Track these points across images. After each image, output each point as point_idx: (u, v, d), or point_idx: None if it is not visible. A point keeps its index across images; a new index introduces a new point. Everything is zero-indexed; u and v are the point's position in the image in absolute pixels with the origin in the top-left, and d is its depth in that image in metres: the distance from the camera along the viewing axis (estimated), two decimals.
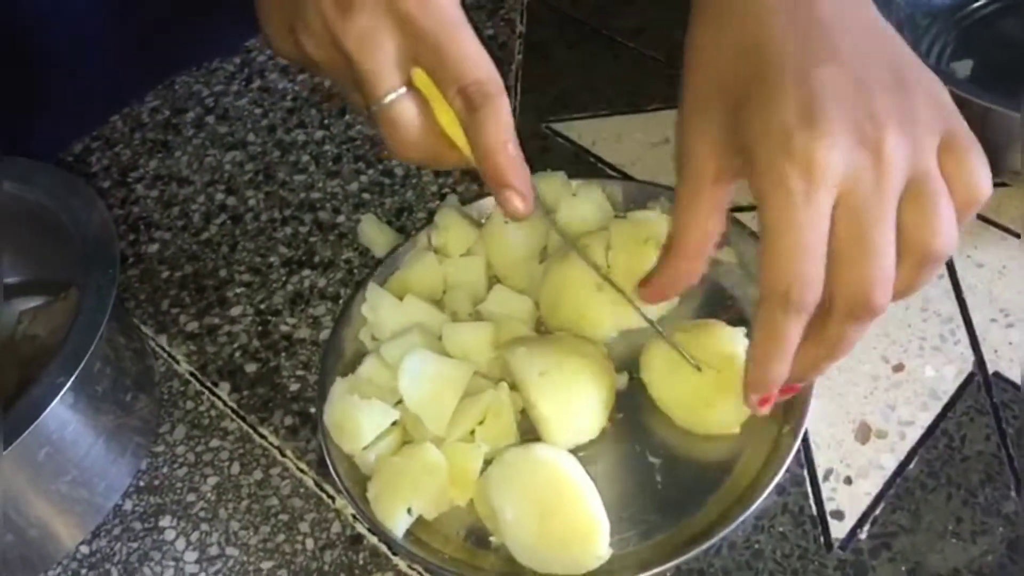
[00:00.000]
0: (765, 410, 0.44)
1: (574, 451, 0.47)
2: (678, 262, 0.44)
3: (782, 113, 0.39)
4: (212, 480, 0.52)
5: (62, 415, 0.46)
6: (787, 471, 0.46)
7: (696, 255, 0.44)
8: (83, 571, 0.50)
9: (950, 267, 0.54)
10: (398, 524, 0.46)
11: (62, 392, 0.45)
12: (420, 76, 0.43)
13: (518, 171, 0.43)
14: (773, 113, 0.39)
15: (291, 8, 0.43)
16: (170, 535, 0.50)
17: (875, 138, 0.39)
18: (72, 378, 0.45)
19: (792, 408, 0.47)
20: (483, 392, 0.49)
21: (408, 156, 0.45)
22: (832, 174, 0.38)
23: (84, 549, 0.50)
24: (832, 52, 0.41)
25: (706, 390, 0.47)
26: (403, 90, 0.43)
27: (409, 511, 0.46)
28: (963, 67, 0.61)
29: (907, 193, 0.39)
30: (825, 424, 0.49)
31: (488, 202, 0.57)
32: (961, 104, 0.51)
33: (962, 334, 0.51)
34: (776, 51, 0.41)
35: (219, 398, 0.55)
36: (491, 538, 0.47)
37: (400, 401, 0.49)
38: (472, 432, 0.48)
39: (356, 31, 0.41)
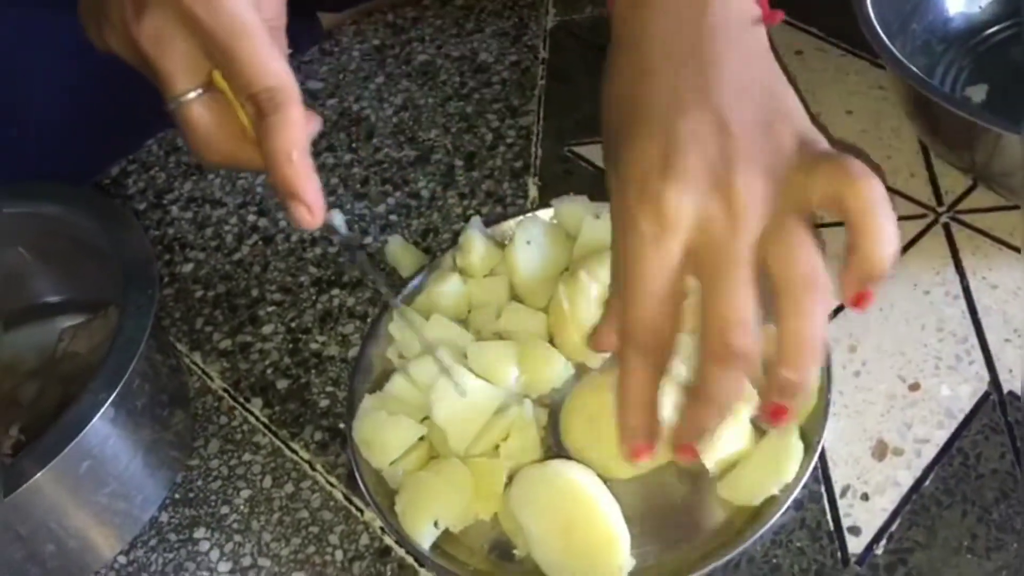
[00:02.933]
0: (645, 459, 0.44)
1: None
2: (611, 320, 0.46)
3: (642, 160, 0.42)
4: (245, 493, 0.54)
5: (103, 430, 0.48)
6: (805, 487, 0.47)
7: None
8: None
9: (965, 288, 0.55)
10: (425, 537, 0.47)
11: (104, 408, 0.47)
12: (218, 77, 0.42)
13: (304, 181, 0.42)
14: (635, 160, 0.42)
15: (98, 4, 0.43)
16: (204, 546, 0.52)
17: (728, 181, 0.40)
18: (113, 394, 0.47)
19: (810, 426, 0.48)
20: (508, 408, 0.50)
21: (208, 157, 0.44)
22: (682, 219, 0.40)
23: (122, 559, 0.52)
24: (703, 96, 0.42)
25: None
26: (199, 91, 0.42)
27: (435, 524, 0.47)
28: (978, 91, 0.62)
29: (766, 232, 0.40)
30: (842, 442, 0.50)
31: (510, 224, 0.59)
32: (972, 129, 0.53)
33: (977, 354, 0.52)
34: (649, 101, 0.43)
35: (251, 413, 0.57)
36: (515, 551, 0.48)
37: (426, 417, 0.50)
38: (496, 447, 0.50)
39: (149, 31, 0.41)
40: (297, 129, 0.42)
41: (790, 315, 0.40)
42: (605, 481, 0.47)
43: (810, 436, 0.48)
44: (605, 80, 0.47)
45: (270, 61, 0.41)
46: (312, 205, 0.43)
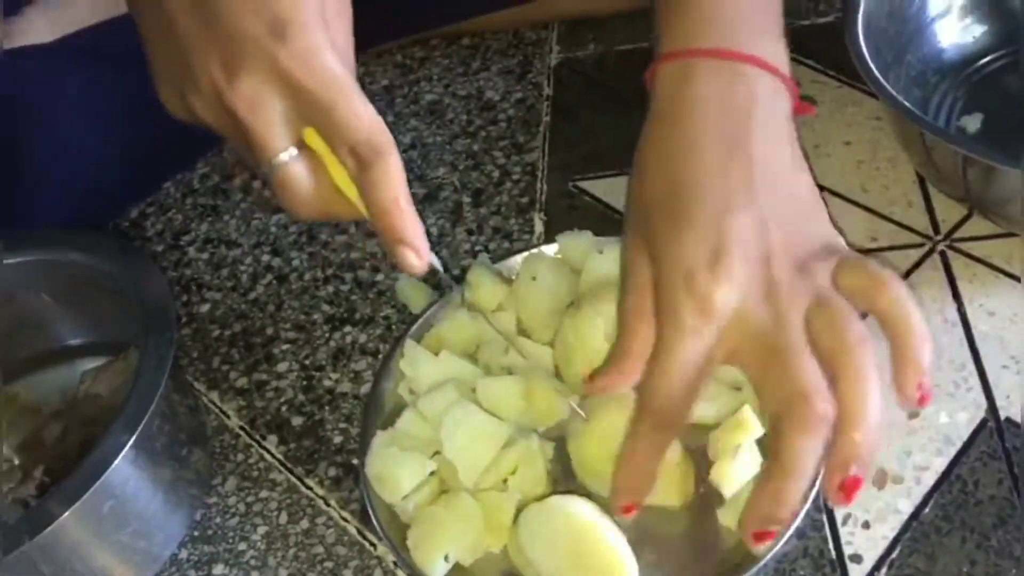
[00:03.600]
0: (632, 515, 0.46)
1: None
2: (622, 363, 0.47)
3: (693, 252, 0.45)
4: (262, 529, 0.55)
5: (125, 471, 0.50)
6: (807, 516, 0.48)
7: (638, 360, 0.47)
8: None
9: (962, 316, 0.56)
10: (436, 570, 0.48)
11: (125, 449, 0.48)
12: (311, 135, 0.43)
13: (411, 226, 0.44)
14: (684, 249, 0.45)
15: (180, 70, 0.43)
16: None
17: (769, 276, 0.44)
18: (134, 436, 0.49)
19: None
20: (515, 443, 0.51)
21: (302, 215, 0.45)
22: (725, 312, 0.43)
23: None
24: (751, 197, 0.46)
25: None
26: (294, 151, 0.43)
27: (446, 558, 0.49)
28: (973, 121, 0.63)
29: (810, 312, 0.44)
30: None
31: (516, 260, 0.60)
32: (966, 162, 0.54)
33: (975, 381, 0.53)
34: (699, 189, 0.46)
35: (267, 451, 0.59)
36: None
37: (437, 452, 0.52)
38: (505, 480, 0.51)
39: (244, 94, 0.42)
40: (399, 176, 0.43)
41: (852, 378, 0.43)
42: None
43: None
44: (643, 150, 0.49)
45: (366, 113, 0.43)
46: (420, 249, 0.44)
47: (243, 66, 0.42)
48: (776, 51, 0.50)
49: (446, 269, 0.52)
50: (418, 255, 0.44)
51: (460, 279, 0.60)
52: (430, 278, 0.63)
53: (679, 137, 0.47)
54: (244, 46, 0.42)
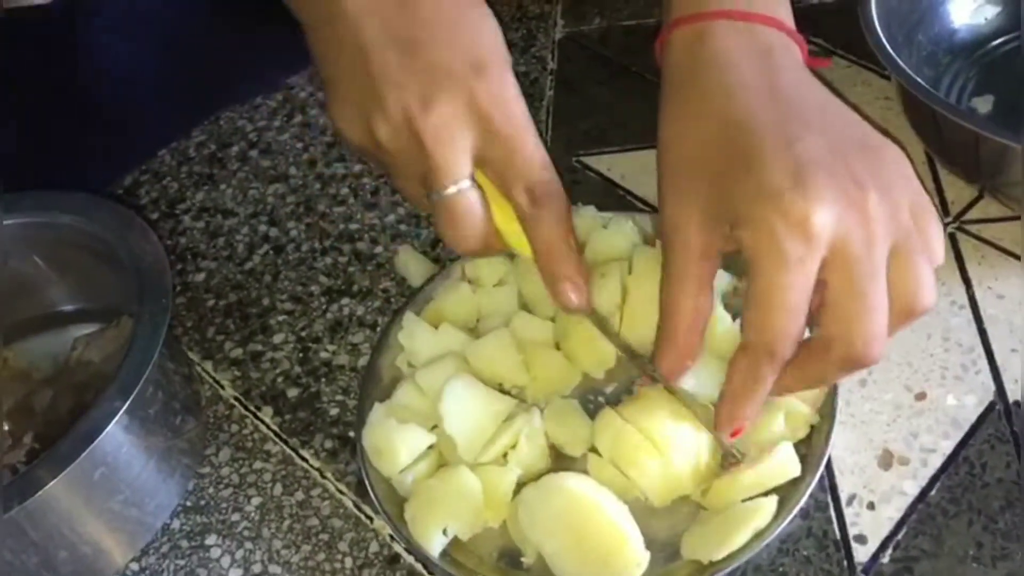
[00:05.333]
0: (736, 436, 0.46)
1: None
2: (674, 347, 0.46)
3: (773, 178, 0.41)
4: (256, 501, 0.54)
5: (116, 438, 0.49)
6: (811, 496, 0.47)
7: (690, 336, 0.45)
8: None
9: (971, 298, 0.55)
10: (434, 545, 0.48)
11: (117, 416, 0.47)
12: (481, 176, 0.46)
13: (575, 265, 0.47)
14: (764, 178, 0.42)
15: (369, 96, 0.45)
16: (216, 553, 0.53)
17: (861, 200, 0.41)
18: (127, 403, 0.48)
19: (816, 435, 0.49)
20: (516, 417, 0.50)
21: (460, 245, 0.48)
22: (825, 235, 0.41)
23: (134, 566, 0.53)
24: (804, 125, 0.43)
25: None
26: (468, 183, 0.46)
27: (444, 532, 0.48)
28: (984, 103, 0.62)
29: (892, 252, 0.42)
30: (849, 451, 0.51)
31: None
32: (977, 141, 0.53)
33: (983, 364, 0.53)
34: (755, 124, 0.44)
35: (262, 422, 0.58)
36: (523, 559, 0.48)
37: (436, 426, 0.51)
38: (505, 455, 0.50)
39: (435, 124, 0.44)
40: (569, 218, 0.47)
41: (895, 332, 0.43)
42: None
43: (816, 446, 0.48)
44: (668, 115, 0.47)
45: (543, 157, 0.46)
46: (580, 287, 0.47)
47: (441, 97, 0.44)
48: (784, 12, 0.49)
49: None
50: (577, 291, 0.47)
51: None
52: (429, 251, 0.62)
53: (710, 87, 0.46)
54: (444, 78, 0.44)
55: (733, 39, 0.47)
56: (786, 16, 0.49)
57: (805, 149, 0.42)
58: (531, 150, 0.46)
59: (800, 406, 0.48)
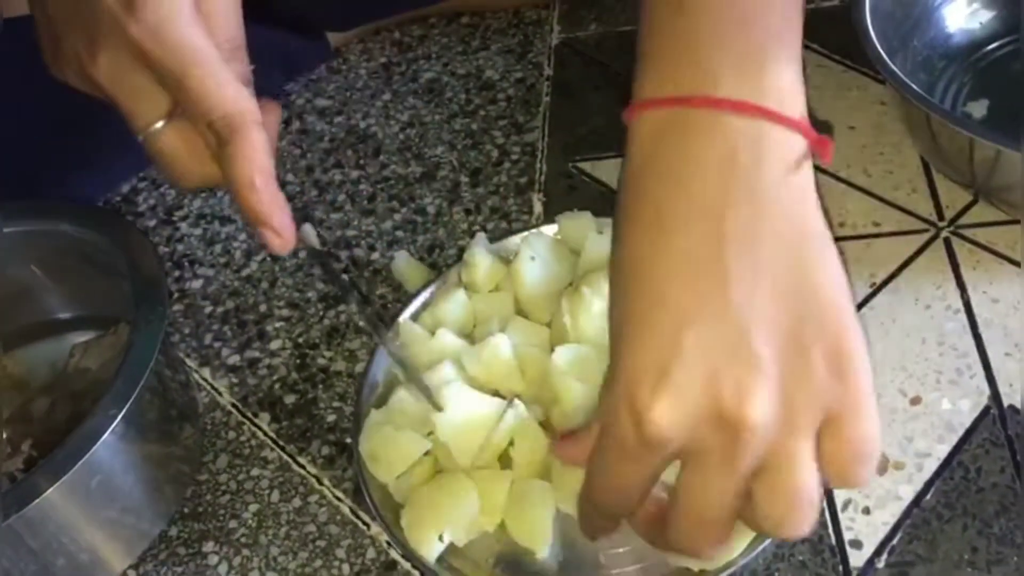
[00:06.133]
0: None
1: None
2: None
3: (641, 362, 0.36)
4: (253, 507, 0.54)
5: (113, 445, 0.49)
6: None
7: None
8: None
9: (966, 303, 0.55)
10: (431, 551, 0.48)
11: (114, 423, 0.47)
12: None
13: (270, 207, 0.42)
14: (633, 359, 0.37)
15: (54, 45, 0.44)
16: (213, 560, 0.53)
17: (732, 416, 0.35)
18: (123, 410, 0.48)
19: None
20: (507, 416, 0.50)
21: (183, 183, 0.44)
22: (666, 444, 0.36)
23: (131, 573, 0.53)
24: (723, 296, 0.36)
25: None
26: (161, 123, 0.42)
27: (441, 538, 0.48)
28: (979, 107, 0.62)
29: (764, 468, 0.36)
30: None
31: (515, 240, 0.60)
32: (971, 146, 0.53)
33: (978, 368, 0.53)
34: (659, 284, 0.37)
35: (259, 428, 0.58)
36: (531, 558, 0.48)
37: (432, 432, 0.51)
38: (502, 456, 0.50)
39: (105, 70, 0.41)
40: (258, 153, 0.41)
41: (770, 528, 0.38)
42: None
43: None
44: (618, 214, 0.40)
45: (223, 87, 0.41)
46: (281, 230, 0.43)
47: (101, 42, 0.41)
48: (784, 85, 0.38)
49: (325, 243, 0.48)
50: (278, 236, 0.43)
51: (458, 259, 0.59)
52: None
53: (649, 214, 0.38)
54: (100, 21, 0.41)
55: (694, 144, 0.38)
56: (786, 90, 0.38)
57: (692, 339, 0.35)
58: (202, 83, 0.40)
59: None
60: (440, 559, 0.48)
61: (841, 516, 0.49)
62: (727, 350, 0.35)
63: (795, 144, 0.38)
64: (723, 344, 0.35)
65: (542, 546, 0.48)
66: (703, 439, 0.36)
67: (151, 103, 0.42)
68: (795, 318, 0.36)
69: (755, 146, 0.37)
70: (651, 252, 0.38)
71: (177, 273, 0.67)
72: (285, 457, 0.56)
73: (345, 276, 0.46)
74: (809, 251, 0.37)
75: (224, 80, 0.41)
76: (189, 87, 0.41)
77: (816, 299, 0.36)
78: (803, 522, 0.36)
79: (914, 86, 0.55)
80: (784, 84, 0.39)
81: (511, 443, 0.50)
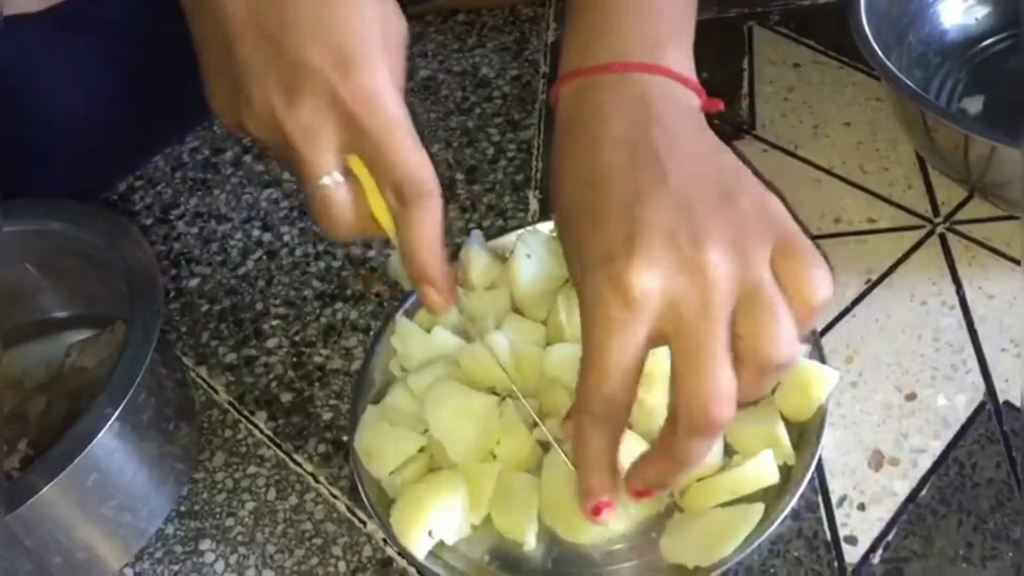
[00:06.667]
0: (602, 519, 0.44)
1: None
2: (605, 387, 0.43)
3: (607, 240, 0.41)
4: (249, 505, 0.54)
5: (109, 444, 0.49)
6: (802, 497, 0.47)
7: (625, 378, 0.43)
8: None
9: (962, 299, 0.55)
10: (419, 547, 0.48)
11: (110, 422, 0.48)
12: (355, 162, 0.45)
13: (438, 269, 0.45)
14: (600, 240, 0.42)
15: (235, 87, 0.44)
16: (209, 558, 0.53)
17: (697, 260, 0.40)
18: (119, 409, 0.48)
19: (807, 437, 0.49)
20: (495, 412, 0.50)
21: (338, 235, 0.47)
22: (650, 302, 0.40)
23: (128, 572, 0.53)
24: (660, 179, 0.42)
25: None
26: (339, 177, 0.45)
27: (430, 534, 0.48)
28: (974, 103, 0.62)
29: (740, 306, 0.40)
30: (839, 452, 0.51)
31: (510, 238, 0.60)
32: (967, 142, 0.53)
33: (973, 364, 0.53)
34: (607, 182, 0.43)
35: (256, 427, 0.58)
36: (524, 548, 0.48)
37: (427, 429, 0.51)
38: (493, 453, 0.50)
39: (300, 121, 0.43)
40: (436, 219, 0.45)
41: (760, 388, 0.41)
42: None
43: (807, 447, 0.48)
44: (554, 165, 0.47)
45: (416, 154, 0.44)
46: (444, 291, 0.46)
47: (303, 94, 0.43)
48: (677, 58, 0.48)
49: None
50: (441, 296, 0.46)
51: (453, 257, 0.59)
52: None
53: (582, 142, 0.46)
54: (306, 75, 0.43)
55: (609, 93, 0.46)
56: (676, 61, 0.48)
57: (646, 210, 0.41)
58: (398, 148, 0.44)
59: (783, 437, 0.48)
60: (434, 555, 0.48)
61: (836, 512, 0.49)
62: (676, 214, 0.41)
63: (694, 100, 0.48)
64: (671, 210, 0.41)
65: (528, 537, 0.48)
66: (679, 291, 0.40)
67: (330, 159, 0.44)
68: (723, 190, 0.43)
69: (663, 94, 0.46)
70: (588, 160, 0.45)
71: (174, 272, 0.67)
72: (281, 455, 0.56)
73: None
74: (725, 156, 0.45)
75: (416, 149, 0.44)
76: (388, 152, 0.44)
77: (736, 176, 0.44)
78: (791, 340, 0.40)
79: (909, 83, 0.55)
80: (683, 59, 0.48)
81: (499, 441, 0.50)
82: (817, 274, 0.41)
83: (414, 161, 0.44)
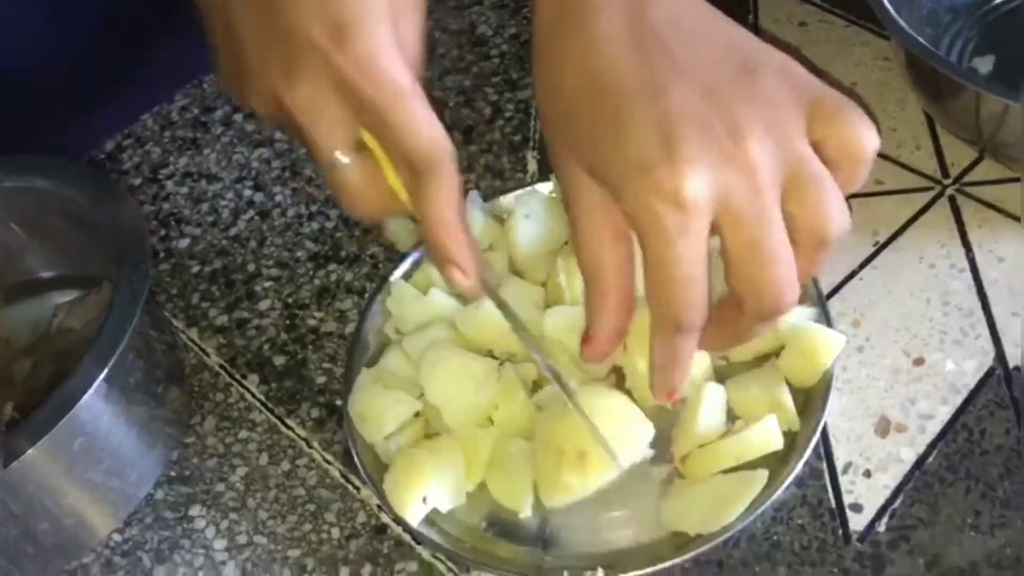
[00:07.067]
0: (672, 400, 0.45)
1: None
2: (605, 305, 0.43)
3: (640, 147, 0.39)
4: (241, 471, 0.53)
5: (96, 406, 0.48)
6: (806, 464, 0.46)
7: (620, 291, 0.43)
8: (116, 558, 0.51)
9: (971, 262, 0.54)
10: (414, 514, 0.47)
11: (96, 383, 0.46)
12: (368, 136, 0.42)
13: (461, 245, 0.42)
14: (631, 148, 0.39)
15: (240, 69, 0.43)
16: (200, 524, 0.52)
17: (738, 149, 0.38)
18: (105, 370, 0.46)
19: (812, 402, 0.48)
20: (492, 376, 0.49)
21: (359, 214, 0.45)
22: (704, 202, 0.38)
23: (117, 537, 0.52)
24: (674, 68, 0.40)
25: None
26: (351, 156, 0.42)
27: (424, 501, 0.47)
28: (985, 63, 0.61)
29: (788, 185, 0.39)
30: (845, 418, 0.50)
31: (509, 199, 0.58)
32: (978, 100, 0.52)
33: (982, 328, 0.52)
34: (618, 76, 0.40)
35: (248, 390, 0.57)
36: (520, 515, 0.47)
37: (422, 394, 0.50)
38: (490, 418, 0.49)
39: (301, 99, 0.41)
40: (452, 191, 0.42)
41: (814, 267, 0.41)
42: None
43: (811, 413, 0.47)
44: (540, 58, 0.44)
45: (425, 123, 0.41)
46: (467, 269, 0.43)
47: (302, 71, 0.41)
48: None
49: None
50: (464, 275, 0.43)
51: None
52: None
53: (574, 40, 0.42)
54: (303, 51, 0.41)
55: None
56: None
57: (672, 104, 0.39)
58: (406, 117, 0.41)
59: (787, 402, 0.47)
60: (430, 522, 0.47)
61: (841, 479, 0.48)
62: (703, 101, 0.39)
63: None
64: (697, 98, 0.39)
65: (523, 505, 0.47)
66: (727, 184, 0.38)
67: (340, 136, 0.42)
68: (741, 66, 0.40)
69: None
70: (587, 59, 0.41)
71: (163, 232, 0.65)
72: (274, 419, 0.55)
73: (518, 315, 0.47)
74: (732, 29, 0.42)
75: (425, 116, 0.41)
76: (393, 123, 0.41)
77: (750, 48, 0.41)
78: (842, 212, 0.39)
79: (920, 40, 0.53)
80: None
81: (497, 406, 0.49)
82: (859, 129, 0.40)
83: (423, 131, 0.41)
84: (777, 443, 0.46)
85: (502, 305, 0.46)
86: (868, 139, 0.40)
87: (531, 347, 0.47)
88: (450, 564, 0.48)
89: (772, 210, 0.39)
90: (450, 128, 0.66)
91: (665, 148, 0.38)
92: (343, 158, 0.43)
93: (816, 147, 0.40)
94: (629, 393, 0.49)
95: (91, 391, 0.46)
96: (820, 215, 0.39)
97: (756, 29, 0.69)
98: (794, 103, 0.40)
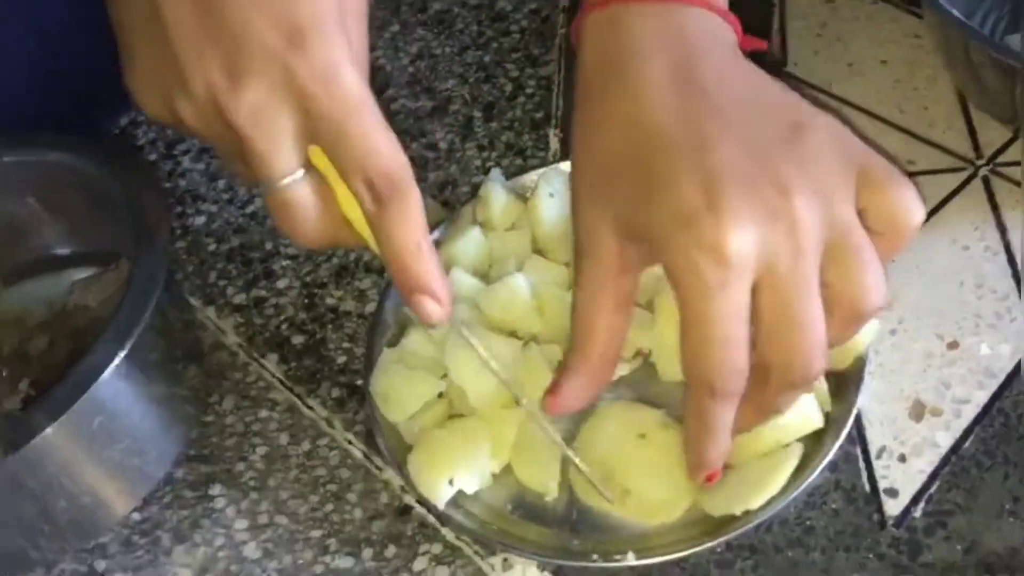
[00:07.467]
0: (712, 483, 0.43)
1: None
2: (585, 369, 0.42)
3: (685, 200, 0.37)
4: (261, 450, 0.53)
5: (115, 384, 0.47)
6: (840, 448, 0.45)
7: (604, 359, 0.42)
8: (135, 537, 0.50)
9: (1006, 244, 0.53)
10: (440, 496, 0.46)
11: (115, 361, 0.45)
12: (318, 155, 0.39)
13: (434, 272, 0.40)
14: (676, 198, 0.38)
15: (166, 68, 0.38)
16: (220, 503, 0.51)
17: (784, 208, 0.37)
18: (125, 348, 0.46)
19: (845, 386, 0.47)
20: (518, 358, 0.48)
21: (304, 242, 0.41)
22: (746, 258, 0.37)
23: (136, 516, 0.51)
24: (722, 123, 0.39)
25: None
26: (300, 173, 0.39)
27: (451, 483, 0.46)
28: (1017, 41, 0.59)
29: (828, 252, 0.38)
30: (878, 402, 0.49)
31: (531, 176, 0.57)
32: (1015, 76, 0.50)
33: (1018, 311, 0.51)
34: (664, 132, 0.39)
35: (267, 369, 0.56)
36: (547, 498, 0.47)
37: (446, 374, 0.49)
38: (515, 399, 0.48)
39: (249, 105, 0.37)
40: (419, 217, 0.39)
41: (846, 336, 0.40)
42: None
43: (845, 397, 0.46)
44: (583, 110, 0.43)
45: (384, 139, 0.39)
46: (443, 298, 0.40)
47: (250, 74, 0.37)
48: None
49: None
50: (438, 304, 0.40)
51: (471, 196, 0.57)
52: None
53: (620, 85, 0.41)
54: (254, 51, 0.37)
55: (645, 26, 0.42)
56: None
57: (719, 159, 0.38)
58: (368, 136, 0.38)
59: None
60: (455, 504, 0.47)
61: (876, 464, 0.47)
62: (749, 158, 0.38)
63: (731, 35, 0.43)
64: (743, 155, 0.38)
65: (550, 487, 0.46)
66: (770, 243, 0.37)
67: (289, 152, 0.38)
68: (786, 121, 0.40)
69: (703, 27, 0.42)
70: (631, 107, 0.40)
71: (179, 209, 0.64)
72: (293, 399, 0.54)
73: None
74: (779, 90, 0.42)
75: (386, 136, 0.39)
76: (354, 139, 0.38)
77: (798, 109, 0.41)
78: (880, 287, 0.39)
79: (955, 12, 0.52)
80: None
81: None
82: (906, 200, 0.39)
83: (385, 149, 0.38)
84: (818, 421, 0.45)
85: (470, 341, 0.44)
86: (914, 211, 0.39)
87: (512, 390, 0.46)
88: (476, 547, 0.48)
89: (811, 276, 0.38)
90: (470, 104, 0.66)
91: (709, 201, 0.37)
92: (292, 176, 0.39)
93: (859, 214, 0.39)
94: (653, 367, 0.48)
95: (111, 369, 0.45)
96: (860, 288, 0.38)
97: (782, 6, 0.68)
98: (843, 166, 0.39)
